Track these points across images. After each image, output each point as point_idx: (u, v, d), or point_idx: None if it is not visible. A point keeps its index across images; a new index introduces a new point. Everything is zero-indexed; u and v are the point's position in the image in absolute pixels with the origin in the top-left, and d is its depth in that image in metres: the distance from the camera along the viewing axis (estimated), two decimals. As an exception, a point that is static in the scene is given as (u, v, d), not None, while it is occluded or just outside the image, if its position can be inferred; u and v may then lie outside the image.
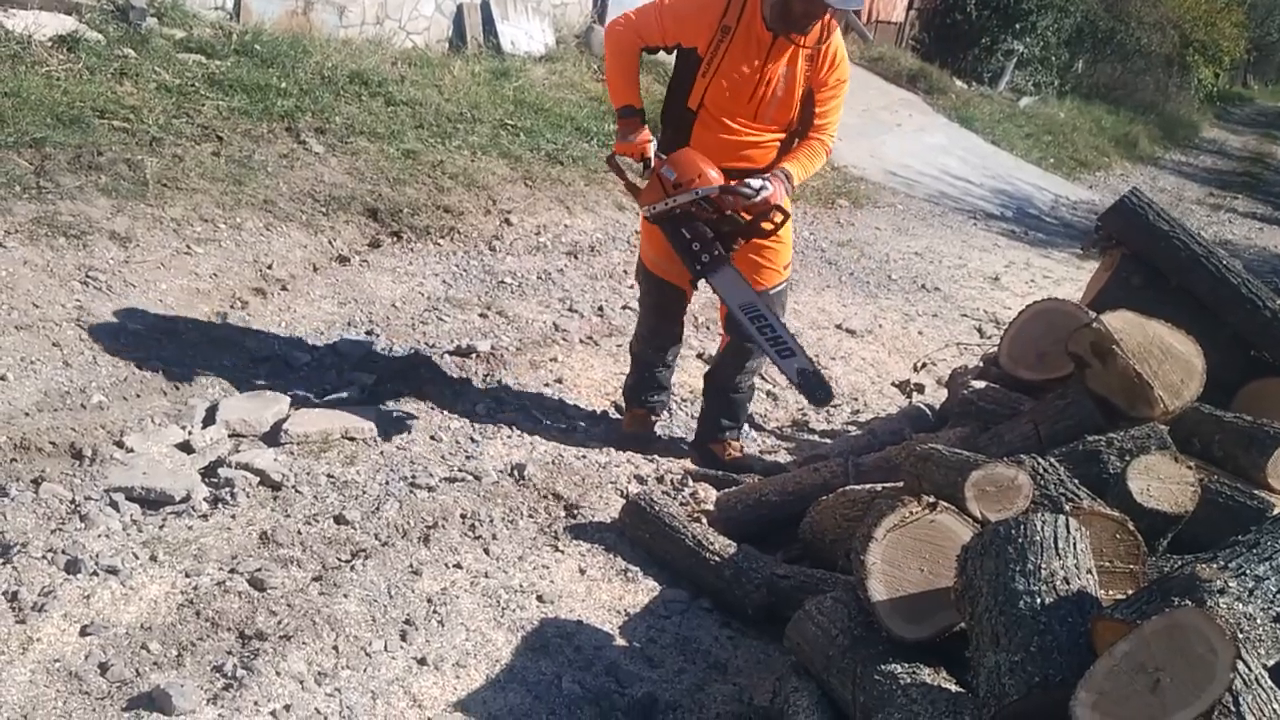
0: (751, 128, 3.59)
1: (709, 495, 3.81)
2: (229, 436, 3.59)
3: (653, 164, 3.60)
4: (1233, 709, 1.72)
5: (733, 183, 3.51)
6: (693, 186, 3.49)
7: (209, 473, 3.36)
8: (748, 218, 3.59)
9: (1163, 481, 2.77)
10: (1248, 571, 2.10)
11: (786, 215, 3.62)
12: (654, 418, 4.23)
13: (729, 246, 3.66)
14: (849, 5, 3.39)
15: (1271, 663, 2.04)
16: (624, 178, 3.82)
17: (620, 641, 2.99)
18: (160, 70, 6.08)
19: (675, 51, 3.59)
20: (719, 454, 4.12)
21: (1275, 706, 1.77)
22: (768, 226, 3.63)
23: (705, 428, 4.11)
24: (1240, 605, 2.03)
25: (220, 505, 3.20)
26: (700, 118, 3.57)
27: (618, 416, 4.38)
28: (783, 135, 3.67)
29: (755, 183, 3.50)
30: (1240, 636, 1.83)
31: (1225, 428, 3.19)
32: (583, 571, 3.27)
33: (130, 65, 6.00)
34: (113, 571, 2.78)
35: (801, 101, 3.60)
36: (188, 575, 2.84)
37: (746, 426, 4.50)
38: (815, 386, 3.64)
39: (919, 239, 8.54)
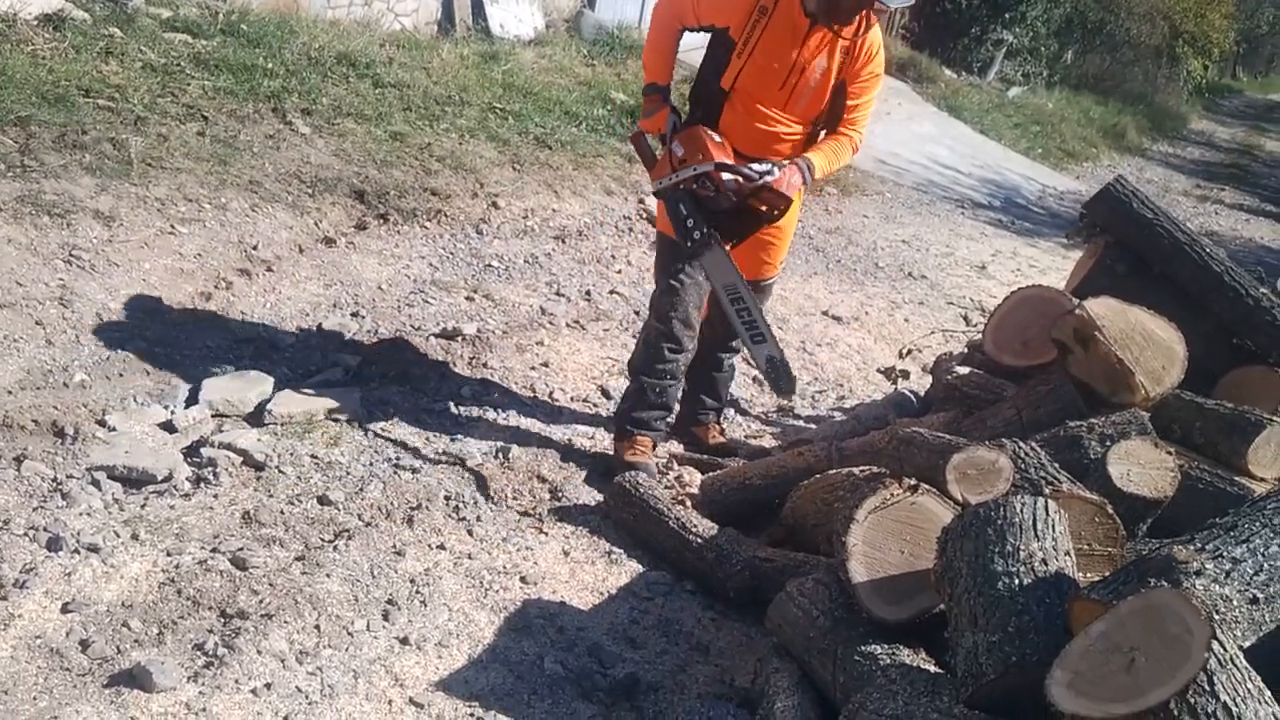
0: (781, 117, 3.49)
1: (693, 479, 3.83)
2: (212, 416, 3.58)
3: (668, 140, 3.56)
4: (1207, 688, 1.73)
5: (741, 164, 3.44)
6: (695, 163, 3.43)
7: (191, 452, 3.35)
8: (758, 206, 3.49)
9: (1143, 467, 2.80)
10: (1224, 554, 2.11)
11: (787, 200, 3.49)
12: (656, 446, 3.96)
13: (730, 225, 3.56)
14: (895, 2, 3.28)
15: (1248, 644, 2.06)
16: (644, 155, 3.74)
17: (603, 623, 3.00)
18: (146, 49, 6.04)
19: (711, 31, 3.49)
20: (703, 438, 4.12)
21: (1249, 686, 1.78)
22: (766, 210, 3.52)
23: (688, 408, 4.09)
24: (1217, 587, 2.04)
25: (203, 485, 3.19)
26: (731, 100, 3.48)
27: (603, 400, 4.38)
28: (810, 128, 3.58)
29: (760, 166, 3.44)
30: (1216, 617, 1.84)
31: (1206, 415, 3.22)
32: (566, 553, 3.28)
33: (116, 44, 5.95)
34: (94, 550, 2.78)
35: (832, 94, 3.51)
36: (169, 554, 2.84)
37: (732, 411, 4.51)
38: (781, 376, 3.58)
39: (906, 227, 8.55)
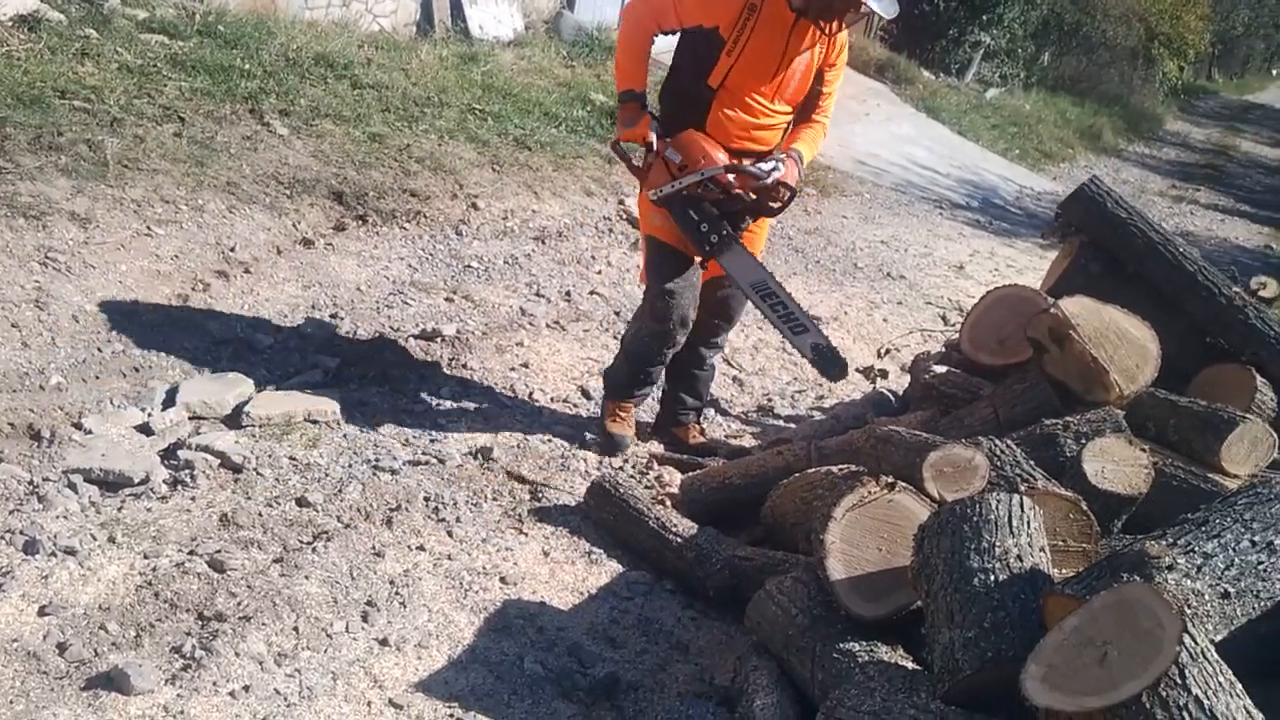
0: (769, 108, 3.56)
1: (673, 478, 3.84)
2: (189, 419, 3.56)
3: (655, 147, 3.57)
4: (1179, 681, 1.75)
5: (744, 163, 3.52)
6: (698, 168, 3.47)
7: (169, 455, 3.33)
8: (754, 196, 3.58)
9: (1117, 464, 2.82)
10: (1196, 549, 2.14)
11: (794, 193, 3.59)
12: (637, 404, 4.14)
13: (737, 225, 3.67)
14: (888, 13, 3.33)
15: (1219, 638, 2.08)
16: (629, 163, 3.78)
17: (583, 622, 3.00)
18: (122, 50, 6.00)
19: (693, 31, 3.50)
20: (683, 437, 4.14)
21: (1220, 679, 1.81)
22: (776, 205, 3.63)
23: (668, 407, 4.11)
24: (1188, 581, 2.07)
25: (180, 487, 3.18)
26: (719, 97, 3.52)
27: (583, 400, 4.38)
28: (791, 115, 3.67)
29: (767, 165, 3.53)
30: (1187, 612, 1.87)
31: (1180, 412, 3.25)
32: (546, 554, 3.28)
33: (92, 45, 5.92)
34: (71, 552, 2.76)
35: (811, 82, 3.62)
36: (146, 557, 2.83)
37: (711, 411, 4.53)
38: (829, 362, 3.64)
39: (885, 228, 8.59)
